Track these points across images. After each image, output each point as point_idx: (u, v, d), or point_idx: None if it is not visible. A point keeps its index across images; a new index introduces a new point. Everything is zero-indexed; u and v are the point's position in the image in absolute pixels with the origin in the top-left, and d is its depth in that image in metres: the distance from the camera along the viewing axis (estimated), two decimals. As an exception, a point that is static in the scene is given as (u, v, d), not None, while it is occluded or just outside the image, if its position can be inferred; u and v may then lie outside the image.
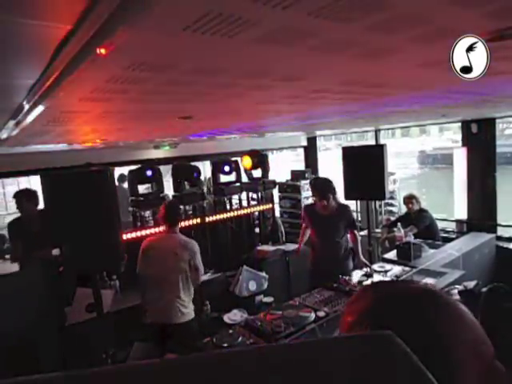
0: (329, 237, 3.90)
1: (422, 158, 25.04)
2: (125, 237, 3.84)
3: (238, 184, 5.43)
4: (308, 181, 6.49)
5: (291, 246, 5.19)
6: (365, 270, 3.78)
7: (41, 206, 4.11)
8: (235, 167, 5.34)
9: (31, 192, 4.15)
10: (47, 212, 2.39)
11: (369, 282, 3.53)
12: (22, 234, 3.96)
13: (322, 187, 3.82)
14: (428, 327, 0.48)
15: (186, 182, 4.93)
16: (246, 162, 5.49)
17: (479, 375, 0.45)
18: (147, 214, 4.77)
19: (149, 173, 4.53)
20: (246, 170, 5.60)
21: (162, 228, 3.59)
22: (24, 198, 4.05)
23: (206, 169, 7.10)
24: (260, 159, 5.50)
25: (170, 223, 3.31)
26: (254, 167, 5.54)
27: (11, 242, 4.20)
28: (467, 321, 0.49)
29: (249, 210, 5.47)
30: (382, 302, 0.53)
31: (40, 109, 1.61)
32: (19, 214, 4.18)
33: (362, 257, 3.92)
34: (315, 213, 3.93)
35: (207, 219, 4.93)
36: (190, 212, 5.06)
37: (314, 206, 4.03)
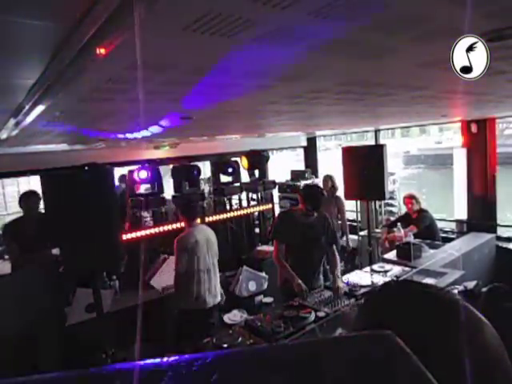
0: (309, 248, 3.40)
1: (406, 159, 25.22)
2: (125, 237, 3.84)
3: (237, 184, 5.43)
4: (308, 181, 6.49)
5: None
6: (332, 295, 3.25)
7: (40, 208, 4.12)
8: (236, 167, 5.35)
9: (36, 194, 4.14)
10: (45, 215, 2.39)
11: (368, 281, 3.53)
12: (18, 235, 3.93)
13: (317, 198, 3.30)
14: (448, 337, 0.47)
15: (186, 183, 4.93)
16: (243, 162, 5.50)
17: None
18: (147, 214, 4.77)
19: (145, 174, 4.55)
20: (248, 170, 5.61)
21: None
22: (31, 199, 4.02)
23: (205, 169, 7.10)
24: (258, 160, 5.50)
25: (195, 216, 3.66)
26: (252, 168, 5.55)
27: (6, 244, 4.13)
28: (486, 336, 0.48)
29: (249, 210, 5.47)
30: (396, 309, 0.53)
31: (40, 109, 1.61)
32: (17, 216, 4.15)
33: (338, 280, 3.33)
34: (294, 220, 3.39)
35: (207, 219, 4.93)
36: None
37: (292, 213, 3.51)
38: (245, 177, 5.67)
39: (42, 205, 4.13)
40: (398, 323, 0.47)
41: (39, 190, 2.40)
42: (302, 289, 3.17)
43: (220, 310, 3.92)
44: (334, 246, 3.52)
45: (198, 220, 3.82)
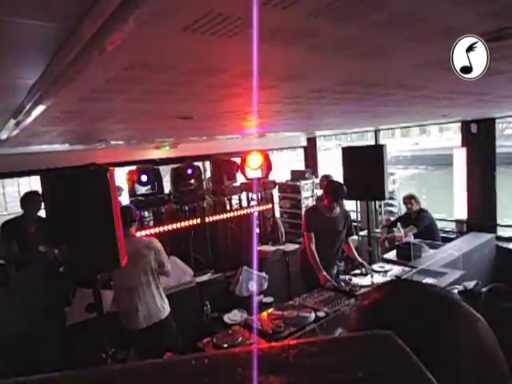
0: (332, 239, 3.84)
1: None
2: (125, 237, 3.83)
3: (237, 184, 5.43)
4: (308, 181, 6.49)
5: (291, 246, 5.19)
6: (363, 270, 3.77)
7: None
8: (235, 167, 5.36)
9: (39, 194, 4.14)
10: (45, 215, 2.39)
11: (368, 281, 3.54)
12: (17, 234, 3.91)
13: (339, 191, 3.75)
14: (444, 336, 0.48)
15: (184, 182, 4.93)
16: (256, 160, 5.46)
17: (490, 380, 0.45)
18: (147, 214, 4.78)
19: (145, 178, 4.56)
20: (242, 171, 5.58)
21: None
22: (33, 198, 4.03)
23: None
24: (264, 158, 5.54)
25: (125, 225, 3.15)
26: (260, 166, 5.56)
27: (3, 243, 4.00)
28: (480, 332, 0.49)
29: (249, 210, 5.47)
30: (392, 302, 0.53)
31: (40, 109, 1.61)
32: (15, 215, 4.15)
33: (359, 258, 3.92)
34: (320, 214, 3.82)
35: (207, 219, 4.93)
36: (189, 212, 5.07)
37: (318, 208, 3.94)
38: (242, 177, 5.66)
39: (42, 206, 4.16)
40: (393, 321, 0.47)
41: (39, 190, 2.40)
42: (327, 280, 3.52)
43: (219, 310, 3.93)
44: (350, 241, 4.04)
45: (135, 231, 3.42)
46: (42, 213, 4.12)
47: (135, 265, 3.16)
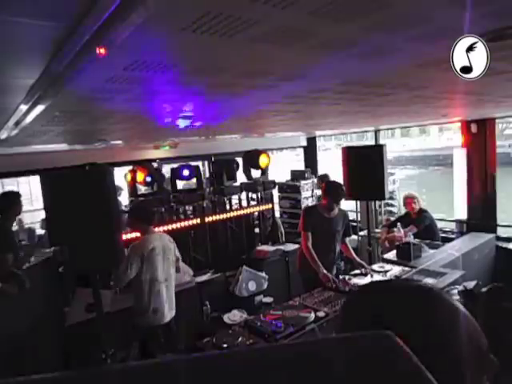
0: (330, 240, 3.82)
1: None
2: (125, 237, 3.85)
3: (237, 184, 5.43)
4: (308, 181, 6.49)
5: (291, 246, 5.19)
6: (362, 270, 3.78)
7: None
8: (235, 167, 5.35)
9: (17, 195, 3.72)
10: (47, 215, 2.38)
11: (368, 281, 3.54)
12: (12, 242, 3.48)
13: (338, 192, 3.74)
14: (427, 326, 0.48)
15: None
16: (264, 160, 5.45)
17: (477, 367, 0.47)
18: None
19: (149, 178, 4.57)
20: (245, 170, 5.58)
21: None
22: (13, 200, 3.62)
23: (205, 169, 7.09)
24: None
25: (150, 222, 3.35)
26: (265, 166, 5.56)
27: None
28: (463, 316, 0.50)
29: (249, 210, 5.46)
30: (379, 302, 0.54)
31: (40, 109, 1.61)
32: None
33: (357, 258, 3.91)
34: (319, 214, 3.79)
35: (207, 219, 4.93)
36: (190, 212, 5.07)
37: (317, 208, 3.91)
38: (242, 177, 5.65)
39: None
40: (380, 318, 0.48)
41: (39, 190, 2.38)
42: (328, 279, 3.50)
43: (219, 311, 3.92)
44: (347, 238, 4.03)
45: (155, 228, 3.53)
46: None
47: (166, 257, 3.29)
